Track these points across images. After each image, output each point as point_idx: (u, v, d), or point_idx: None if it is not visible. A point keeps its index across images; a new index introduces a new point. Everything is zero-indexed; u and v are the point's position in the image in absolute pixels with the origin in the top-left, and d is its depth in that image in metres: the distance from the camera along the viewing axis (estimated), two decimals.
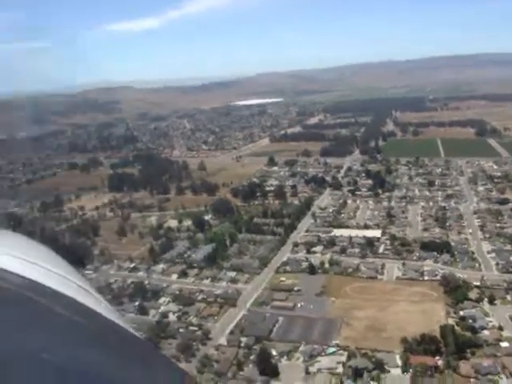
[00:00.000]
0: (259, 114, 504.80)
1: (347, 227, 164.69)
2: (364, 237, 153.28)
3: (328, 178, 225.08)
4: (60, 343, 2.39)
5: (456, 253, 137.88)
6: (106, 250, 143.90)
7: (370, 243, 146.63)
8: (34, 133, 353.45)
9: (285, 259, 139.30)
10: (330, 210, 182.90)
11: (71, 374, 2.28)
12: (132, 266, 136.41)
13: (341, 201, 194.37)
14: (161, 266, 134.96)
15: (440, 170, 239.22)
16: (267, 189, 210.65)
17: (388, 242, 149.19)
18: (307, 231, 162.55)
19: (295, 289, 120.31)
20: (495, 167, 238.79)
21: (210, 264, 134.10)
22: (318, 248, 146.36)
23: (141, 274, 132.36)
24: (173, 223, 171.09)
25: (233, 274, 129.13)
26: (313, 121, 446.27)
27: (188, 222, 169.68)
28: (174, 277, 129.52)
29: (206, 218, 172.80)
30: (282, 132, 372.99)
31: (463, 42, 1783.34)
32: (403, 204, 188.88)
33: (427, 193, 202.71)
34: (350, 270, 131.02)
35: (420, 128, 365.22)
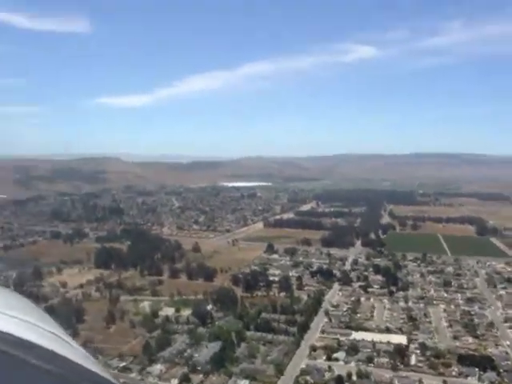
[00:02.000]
0: (249, 196, 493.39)
1: (367, 330, 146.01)
2: (389, 343, 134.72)
3: (335, 271, 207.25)
4: None
5: (501, 371, 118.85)
6: (91, 342, 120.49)
7: (399, 352, 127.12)
8: (16, 196, 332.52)
9: (303, 366, 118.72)
10: (344, 309, 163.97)
11: None
12: (122, 364, 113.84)
13: (353, 298, 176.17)
14: (158, 367, 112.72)
15: (452, 269, 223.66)
16: (271, 278, 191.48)
17: (418, 351, 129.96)
18: (323, 332, 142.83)
19: None
20: (509, 269, 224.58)
21: (216, 368, 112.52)
22: (340, 355, 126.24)
23: (134, 375, 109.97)
24: (169, 311, 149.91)
25: (245, 383, 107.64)
26: (305, 208, 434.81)
27: (186, 312, 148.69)
28: (175, 382, 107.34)
29: (208, 308, 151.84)
30: (276, 217, 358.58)
31: (446, 141, 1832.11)
32: (422, 305, 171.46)
33: (445, 294, 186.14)
34: None
35: (417, 222, 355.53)
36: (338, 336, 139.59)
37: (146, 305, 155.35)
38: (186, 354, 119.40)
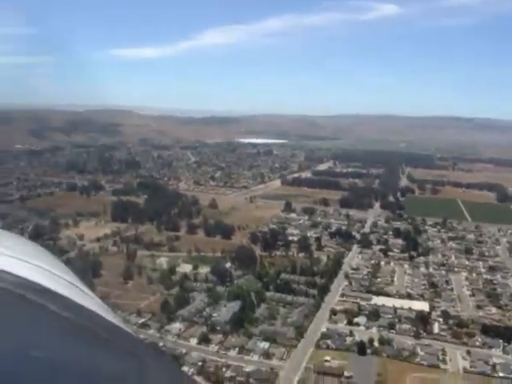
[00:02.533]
0: (265, 153, 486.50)
1: (388, 295, 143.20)
2: (410, 309, 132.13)
3: (354, 233, 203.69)
4: (53, 340, 2.41)
5: None
6: (108, 298, 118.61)
7: (422, 319, 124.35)
8: (31, 147, 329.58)
9: (324, 330, 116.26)
10: (364, 272, 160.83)
11: (65, 371, 2.29)
12: (141, 321, 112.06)
13: (372, 261, 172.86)
14: (177, 326, 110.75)
15: (472, 235, 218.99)
16: (289, 238, 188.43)
17: (441, 319, 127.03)
18: (343, 295, 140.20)
19: (346, 374, 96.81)
20: None
21: (236, 328, 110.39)
22: (361, 319, 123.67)
23: (152, 332, 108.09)
24: (186, 268, 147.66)
25: (265, 344, 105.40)
26: (322, 167, 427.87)
27: (204, 269, 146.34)
28: (194, 342, 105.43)
29: (226, 266, 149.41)
30: (293, 176, 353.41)
31: (462, 105, 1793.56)
32: (443, 272, 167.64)
33: (466, 261, 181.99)
34: (406, 353, 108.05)
35: (436, 186, 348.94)
36: (359, 300, 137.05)
37: (163, 261, 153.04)
38: (204, 313, 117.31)
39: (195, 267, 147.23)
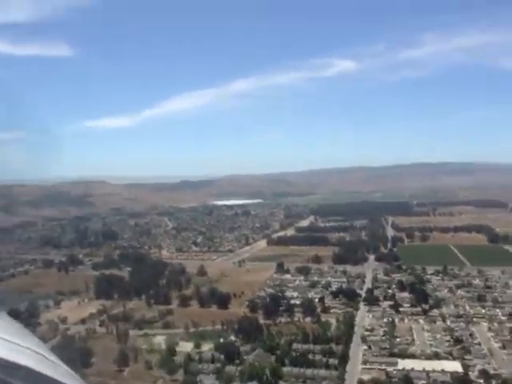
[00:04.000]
0: (243, 214, 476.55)
1: (414, 357, 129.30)
2: (443, 371, 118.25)
3: (357, 291, 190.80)
4: None
5: None
6: None
7: (461, 383, 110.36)
8: (1, 223, 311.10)
9: None
10: (381, 333, 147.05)
11: None
12: None
13: (385, 320, 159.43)
14: None
15: (478, 281, 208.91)
16: (291, 302, 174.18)
17: (482, 381, 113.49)
18: (365, 362, 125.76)
19: None
20: None
21: None
22: None
23: None
24: (187, 347, 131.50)
25: None
26: (304, 223, 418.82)
27: (207, 346, 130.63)
28: None
29: (231, 341, 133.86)
30: (278, 235, 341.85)
31: (429, 151, 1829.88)
32: (462, 325, 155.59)
33: (482, 310, 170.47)
34: None
35: (423, 233, 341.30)
36: (384, 366, 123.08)
37: (159, 340, 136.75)
38: None
39: (197, 345, 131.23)
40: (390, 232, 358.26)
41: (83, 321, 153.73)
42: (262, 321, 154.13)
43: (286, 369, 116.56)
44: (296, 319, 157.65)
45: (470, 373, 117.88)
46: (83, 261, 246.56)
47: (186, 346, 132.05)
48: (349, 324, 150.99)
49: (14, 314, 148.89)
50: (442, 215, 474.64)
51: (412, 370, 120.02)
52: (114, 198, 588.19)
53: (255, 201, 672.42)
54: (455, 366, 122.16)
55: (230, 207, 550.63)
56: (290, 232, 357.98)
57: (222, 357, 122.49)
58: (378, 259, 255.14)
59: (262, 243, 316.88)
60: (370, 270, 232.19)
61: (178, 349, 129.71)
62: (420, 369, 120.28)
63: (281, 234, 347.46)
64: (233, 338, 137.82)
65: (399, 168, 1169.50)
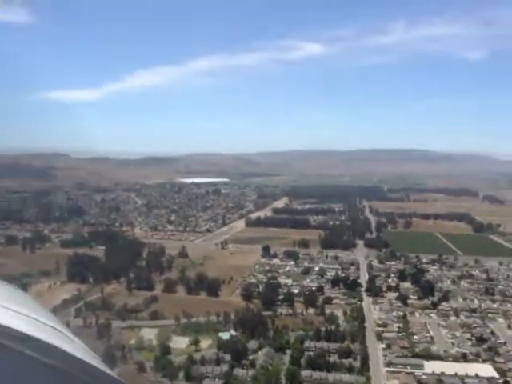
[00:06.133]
0: (214, 193, 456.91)
1: (439, 358, 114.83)
2: (477, 376, 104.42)
3: (355, 279, 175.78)
4: None
5: None
6: None
7: None
8: None
9: None
10: (395, 329, 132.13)
11: None
12: None
13: (394, 313, 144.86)
14: None
15: (478, 272, 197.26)
16: (286, 290, 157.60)
17: None
18: (388, 364, 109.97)
19: None
20: None
21: None
22: None
23: None
24: (182, 343, 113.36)
25: None
26: (279, 205, 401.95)
27: (205, 343, 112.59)
28: None
29: (229, 335, 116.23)
30: (254, 215, 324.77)
31: (396, 137, 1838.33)
32: (478, 321, 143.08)
33: (493, 305, 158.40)
34: None
35: (403, 219, 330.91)
36: (409, 368, 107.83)
37: (147, 334, 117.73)
38: None
39: (194, 341, 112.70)
40: (370, 217, 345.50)
41: (55, 310, 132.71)
42: (259, 311, 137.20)
43: (304, 372, 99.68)
44: (299, 311, 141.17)
45: (504, 378, 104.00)
46: (50, 237, 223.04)
47: (180, 342, 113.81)
48: (356, 318, 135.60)
49: None
50: (417, 201, 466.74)
51: (442, 373, 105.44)
52: (78, 173, 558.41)
53: (222, 179, 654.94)
54: (488, 370, 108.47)
55: (198, 185, 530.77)
56: (267, 213, 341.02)
57: (227, 357, 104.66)
58: (367, 245, 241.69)
59: (240, 224, 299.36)
60: (362, 256, 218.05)
61: (172, 345, 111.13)
62: (451, 373, 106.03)
63: (257, 214, 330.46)
64: (233, 332, 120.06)
65: (362, 153, 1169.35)
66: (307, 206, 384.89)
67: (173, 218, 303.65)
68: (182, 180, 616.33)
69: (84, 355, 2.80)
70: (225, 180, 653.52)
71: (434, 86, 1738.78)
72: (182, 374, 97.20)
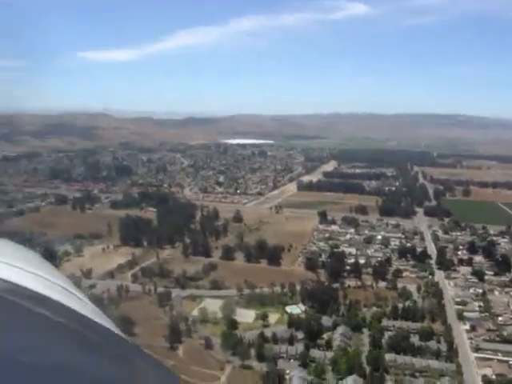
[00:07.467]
0: (260, 155, 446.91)
1: None
2: None
3: (423, 251, 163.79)
4: (45, 345, 2.40)
5: None
6: None
7: None
8: (4, 152, 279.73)
9: None
10: (476, 308, 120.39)
11: (57, 375, 2.28)
12: None
13: (471, 290, 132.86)
14: None
15: None
16: (352, 260, 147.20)
17: None
18: (476, 349, 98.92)
19: None
20: None
21: None
22: None
23: None
24: (248, 317, 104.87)
25: None
26: (328, 168, 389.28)
27: (273, 318, 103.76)
28: None
29: (299, 310, 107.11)
30: (305, 178, 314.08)
31: (441, 102, 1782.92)
32: None
33: None
34: None
35: (460, 187, 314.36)
36: (500, 355, 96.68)
37: (210, 305, 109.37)
38: None
39: (262, 316, 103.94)
40: (426, 183, 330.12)
41: (111, 274, 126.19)
42: (327, 283, 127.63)
43: (388, 356, 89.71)
44: (368, 284, 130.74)
45: None
46: (100, 198, 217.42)
47: (245, 315, 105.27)
48: (433, 294, 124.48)
49: None
50: (470, 168, 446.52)
51: None
52: (121, 132, 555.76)
53: (267, 141, 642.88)
54: None
55: (243, 146, 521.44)
56: (317, 177, 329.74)
57: (300, 335, 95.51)
58: (427, 213, 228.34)
59: (291, 187, 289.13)
60: (425, 225, 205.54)
61: (238, 319, 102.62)
62: None
63: (307, 178, 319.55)
64: (301, 306, 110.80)
65: (407, 117, 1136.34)
66: (357, 171, 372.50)
67: (221, 179, 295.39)
68: (226, 141, 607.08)
69: (94, 315, 2.81)
70: (269, 142, 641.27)
71: (483, 48, 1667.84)
72: (252, 353, 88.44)
